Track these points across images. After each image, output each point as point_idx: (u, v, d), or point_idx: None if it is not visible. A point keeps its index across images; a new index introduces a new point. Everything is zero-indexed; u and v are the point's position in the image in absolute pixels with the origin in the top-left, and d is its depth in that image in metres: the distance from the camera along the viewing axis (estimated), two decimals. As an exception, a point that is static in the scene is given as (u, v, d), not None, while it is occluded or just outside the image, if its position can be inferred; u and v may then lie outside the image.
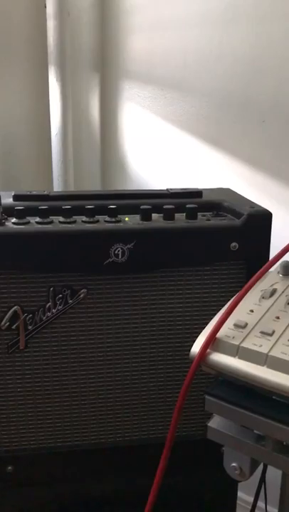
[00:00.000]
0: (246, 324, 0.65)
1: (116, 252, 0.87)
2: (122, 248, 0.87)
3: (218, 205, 0.98)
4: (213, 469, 0.81)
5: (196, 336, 0.66)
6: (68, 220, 0.89)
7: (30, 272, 0.87)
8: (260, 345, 0.62)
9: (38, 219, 0.89)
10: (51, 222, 0.89)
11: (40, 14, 1.44)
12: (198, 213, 0.93)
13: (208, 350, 0.64)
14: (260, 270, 0.75)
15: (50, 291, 0.88)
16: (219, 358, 0.64)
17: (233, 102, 1.34)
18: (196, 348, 0.64)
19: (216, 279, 0.91)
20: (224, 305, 0.70)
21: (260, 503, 1.06)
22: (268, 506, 1.10)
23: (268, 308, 0.69)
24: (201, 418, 0.95)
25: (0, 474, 0.95)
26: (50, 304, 0.88)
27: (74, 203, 0.93)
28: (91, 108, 1.60)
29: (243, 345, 0.63)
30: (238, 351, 0.63)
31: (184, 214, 0.92)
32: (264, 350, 0.61)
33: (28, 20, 1.45)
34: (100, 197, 0.99)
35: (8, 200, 0.94)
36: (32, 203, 0.93)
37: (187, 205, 0.92)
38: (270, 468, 0.90)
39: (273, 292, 0.72)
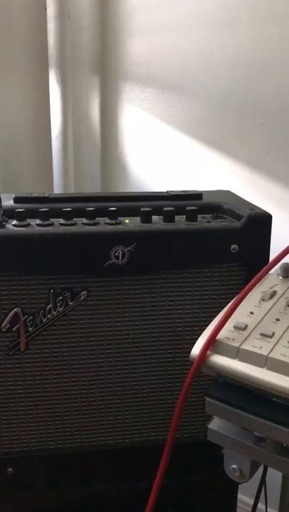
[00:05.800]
0: (246, 326, 0.66)
1: (116, 254, 0.88)
2: (122, 250, 0.88)
3: (218, 207, 0.98)
4: (213, 471, 0.81)
5: (196, 338, 0.66)
6: (69, 222, 0.89)
7: (31, 274, 0.87)
8: (260, 347, 0.62)
9: (38, 221, 0.89)
10: (52, 225, 0.89)
11: (41, 17, 1.45)
12: (199, 215, 0.93)
13: (208, 352, 0.64)
14: (260, 272, 0.75)
15: (51, 293, 0.88)
16: (219, 359, 0.64)
17: (232, 104, 1.34)
18: (196, 350, 0.65)
19: (216, 281, 0.92)
20: (224, 307, 0.71)
21: (261, 505, 1.06)
22: (268, 508, 1.10)
23: (268, 310, 0.69)
24: (201, 420, 0.95)
25: (0, 476, 0.95)
26: (50, 306, 0.88)
27: (74, 205, 0.93)
28: (91, 110, 1.61)
29: (243, 347, 0.63)
30: (238, 353, 0.63)
31: (184, 216, 0.92)
32: (264, 352, 0.61)
33: (29, 23, 1.46)
34: (101, 199, 0.99)
35: (8, 203, 0.95)
36: (32, 205, 0.93)
37: (187, 207, 0.92)
38: (270, 470, 0.90)
39: (273, 294, 0.72)
